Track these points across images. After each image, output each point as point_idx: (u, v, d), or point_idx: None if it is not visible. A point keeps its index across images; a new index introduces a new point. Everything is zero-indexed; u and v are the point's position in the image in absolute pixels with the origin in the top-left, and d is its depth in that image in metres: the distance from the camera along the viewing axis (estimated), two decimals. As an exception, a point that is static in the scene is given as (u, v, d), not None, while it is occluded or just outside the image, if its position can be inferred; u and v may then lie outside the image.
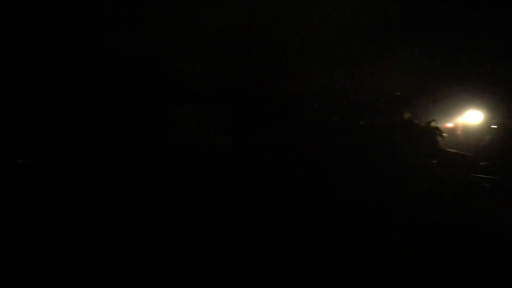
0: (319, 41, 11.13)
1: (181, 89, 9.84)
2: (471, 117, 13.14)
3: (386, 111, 12.50)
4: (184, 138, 9.66)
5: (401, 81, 12.04)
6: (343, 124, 11.53)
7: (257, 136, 10.54)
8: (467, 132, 12.98)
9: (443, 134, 11.71)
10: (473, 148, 11.92)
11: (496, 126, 12.33)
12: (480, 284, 4.97)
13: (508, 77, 12.72)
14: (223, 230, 7.17)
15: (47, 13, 9.49)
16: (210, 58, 10.16)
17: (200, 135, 9.84)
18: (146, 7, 9.88)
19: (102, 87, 9.63)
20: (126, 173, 9.26)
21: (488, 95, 12.78)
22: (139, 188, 8.86)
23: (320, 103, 11.76)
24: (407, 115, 12.05)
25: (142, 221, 7.51)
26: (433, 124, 11.76)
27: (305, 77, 11.01)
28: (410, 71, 11.97)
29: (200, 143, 9.82)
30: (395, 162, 10.29)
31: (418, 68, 12.06)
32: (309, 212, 8.36)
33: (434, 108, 12.88)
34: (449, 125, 13.21)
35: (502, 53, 12.69)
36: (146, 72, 9.78)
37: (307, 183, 9.58)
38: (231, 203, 8.61)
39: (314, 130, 11.02)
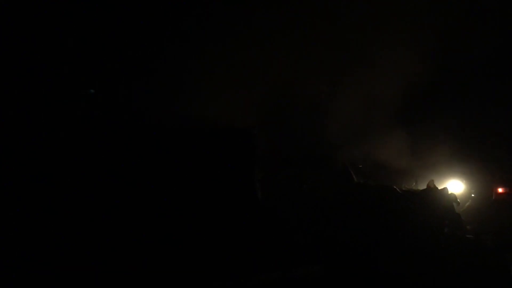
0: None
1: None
2: (453, 186, 13.74)
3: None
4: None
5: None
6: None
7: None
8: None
9: (457, 201, 12.09)
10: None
11: (474, 195, 13.48)
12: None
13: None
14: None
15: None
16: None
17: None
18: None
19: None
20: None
21: (468, 167, 13.50)
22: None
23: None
24: (432, 183, 11.94)
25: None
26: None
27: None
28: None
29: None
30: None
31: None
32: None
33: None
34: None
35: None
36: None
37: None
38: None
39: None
